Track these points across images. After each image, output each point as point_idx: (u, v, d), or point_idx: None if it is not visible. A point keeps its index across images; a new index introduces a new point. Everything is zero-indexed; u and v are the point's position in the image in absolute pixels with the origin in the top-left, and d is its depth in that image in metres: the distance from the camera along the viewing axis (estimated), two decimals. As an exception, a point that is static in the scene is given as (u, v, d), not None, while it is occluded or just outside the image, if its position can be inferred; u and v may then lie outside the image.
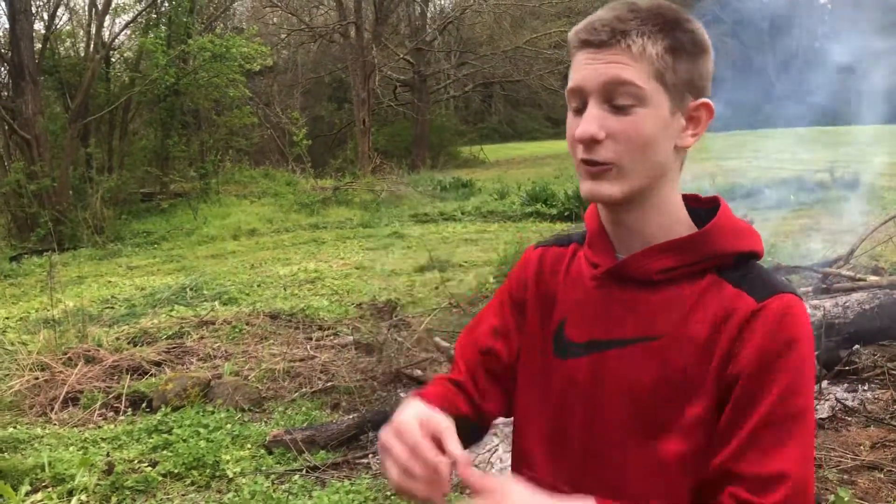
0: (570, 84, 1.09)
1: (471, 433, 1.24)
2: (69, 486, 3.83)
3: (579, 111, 1.09)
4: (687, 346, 1.06)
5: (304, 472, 4.06)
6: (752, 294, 1.06)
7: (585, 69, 1.07)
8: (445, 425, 1.02)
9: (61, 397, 5.12)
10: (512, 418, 1.31)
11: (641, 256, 1.12)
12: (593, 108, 1.06)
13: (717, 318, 1.06)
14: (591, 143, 1.06)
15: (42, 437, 4.57)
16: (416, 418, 1.02)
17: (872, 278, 5.69)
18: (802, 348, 1.03)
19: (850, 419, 4.26)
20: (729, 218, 1.13)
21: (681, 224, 1.13)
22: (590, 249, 1.20)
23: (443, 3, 33.71)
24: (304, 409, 4.94)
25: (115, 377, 5.46)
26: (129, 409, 5.03)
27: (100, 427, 4.75)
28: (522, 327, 1.28)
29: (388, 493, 3.76)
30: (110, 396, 5.15)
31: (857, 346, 4.85)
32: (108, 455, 4.23)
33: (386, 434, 1.03)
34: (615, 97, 1.05)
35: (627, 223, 1.13)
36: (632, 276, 1.12)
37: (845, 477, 3.66)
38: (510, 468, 1.30)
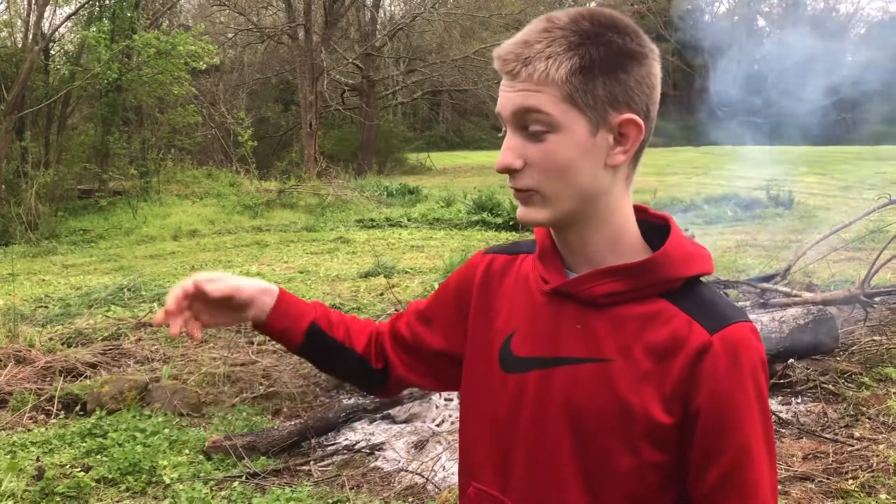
0: (496, 109, 1.09)
1: (368, 377, 1.41)
2: (-4, 491, 3.69)
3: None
4: (633, 373, 1.06)
5: (243, 478, 3.98)
6: (703, 323, 1.05)
7: (502, 96, 1.07)
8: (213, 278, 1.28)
9: (-11, 399, 4.94)
10: (452, 423, 1.32)
11: (587, 278, 1.10)
12: (510, 136, 1.07)
13: (665, 348, 1.05)
14: (511, 171, 1.07)
15: (-33, 440, 4.39)
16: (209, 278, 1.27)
17: (807, 294, 5.86)
18: (755, 384, 1.05)
19: (784, 431, 4.38)
20: (680, 244, 1.11)
21: (628, 241, 1.12)
22: (540, 263, 1.18)
23: (393, 9, 33.81)
24: (244, 414, 4.85)
25: (48, 379, 5.28)
26: (62, 413, 4.87)
27: (30, 430, 4.58)
28: (457, 324, 1.29)
29: (330, 501, 3.73)
30: (42, 399, 4.97)
31: (791, 360, 4.99)
32: (38, 460, 4.08)
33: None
34: (528, 124, 1.05)
35: (570, 241, 1.12)
36: (578, 297, 1.11)
37: (778, 488, 3.75)
38: (458, 477, 1.29)
